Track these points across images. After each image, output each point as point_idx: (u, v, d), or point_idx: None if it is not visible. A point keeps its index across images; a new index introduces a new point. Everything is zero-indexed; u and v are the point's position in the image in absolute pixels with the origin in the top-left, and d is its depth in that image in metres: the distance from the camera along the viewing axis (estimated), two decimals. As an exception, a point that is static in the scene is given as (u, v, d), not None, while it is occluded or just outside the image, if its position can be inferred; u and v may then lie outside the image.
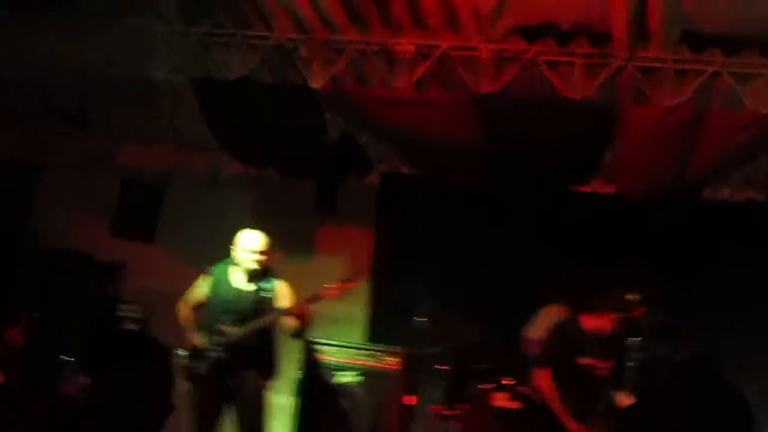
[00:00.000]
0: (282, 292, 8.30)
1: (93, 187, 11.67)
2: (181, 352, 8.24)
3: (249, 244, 8.22)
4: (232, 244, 8.31)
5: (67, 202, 11.58)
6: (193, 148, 11.52)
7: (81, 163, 11.67)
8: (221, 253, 8.78)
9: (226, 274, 8.32)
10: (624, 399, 7.77)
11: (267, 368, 8.27)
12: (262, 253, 8.20)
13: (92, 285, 10.42)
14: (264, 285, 8.23)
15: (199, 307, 8.40)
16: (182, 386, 8.28)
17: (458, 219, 10.61)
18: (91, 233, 11.40)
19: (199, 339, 8.13)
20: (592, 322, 7.88)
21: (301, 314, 8.10)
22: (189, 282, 8.73)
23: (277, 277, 8.36)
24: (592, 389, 7.68)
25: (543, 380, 7.77)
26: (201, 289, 8.40)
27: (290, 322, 8.16)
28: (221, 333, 7.98)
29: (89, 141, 11.65)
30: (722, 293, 10.09)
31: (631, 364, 8.26)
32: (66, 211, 11.56)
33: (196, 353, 8.13)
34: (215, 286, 8.30)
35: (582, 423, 7.45)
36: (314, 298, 8.08)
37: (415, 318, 9.43)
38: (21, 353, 6.78)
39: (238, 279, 8.24)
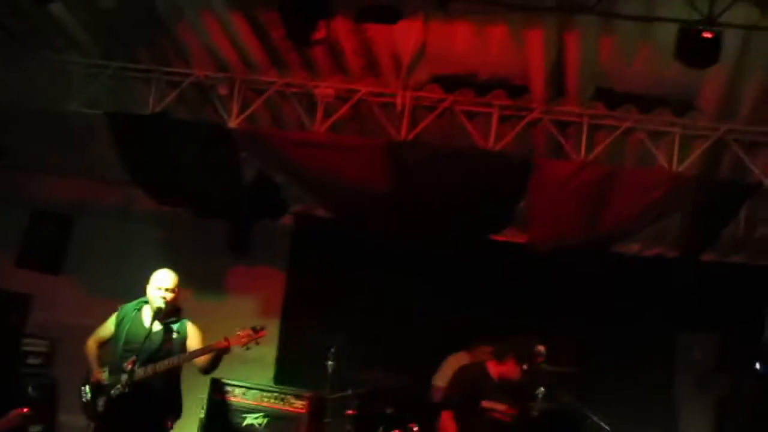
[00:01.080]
0: (190, 332, 8.22)
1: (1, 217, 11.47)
2: (84, 388, 8.12)
3: (158, 282, 8.13)
4: (146, 282, 8.23)
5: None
6: (105, 181, 11.38)
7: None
8: (129, 287, 8.68)
9: (136, 311, 8.22)
10: None
11: (171, 408, 8.16)
12: (169, 290, 8.12)
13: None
14: (172, 324, 8.16)
15: (106, 343, 8.29)
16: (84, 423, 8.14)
17: (371, 263, 10.60)
18: (-5, 264, 11.21)
19: (103, 376, 8.02)
20: (499, 369, 7.92)
21: (218, 353, 8.05)
22: (96, 315, 8.62)
23: (185, 317, 8.29)
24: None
25: (446, 422, 7.79)
26: (109, 325, 8.29)
27: (201, 361, 8.09)
28: (126, 371, 7.85)
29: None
30: (628, 346, 10.22)
31: (536, 413, 8.36)
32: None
33: (99, 390, 8.01)
34: (123, 324, 8.19)
35: None
36: (224, 343, 8.03)
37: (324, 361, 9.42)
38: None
39: (147, 317, 8.14)
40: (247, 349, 8.11)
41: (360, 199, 9.18)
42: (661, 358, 10.35)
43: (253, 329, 8.11)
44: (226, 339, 8.03)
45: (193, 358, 8.03)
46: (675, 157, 8.58)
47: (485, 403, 7.78)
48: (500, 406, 7.83)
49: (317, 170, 9.08)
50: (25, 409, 7.66)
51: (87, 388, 8.12)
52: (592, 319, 10.39)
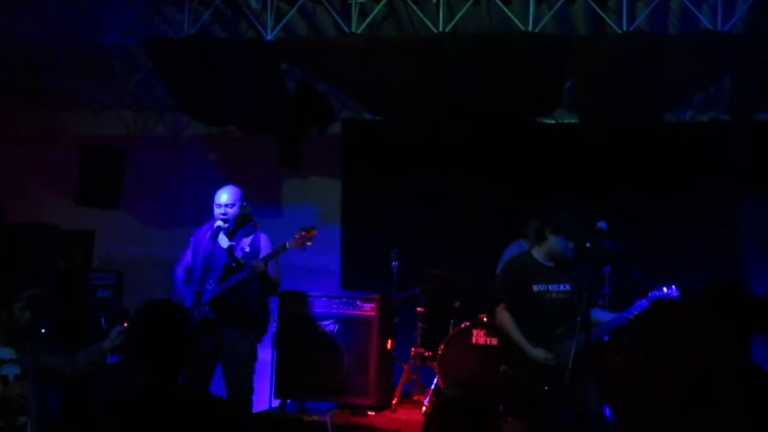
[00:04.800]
0: (264, 245, 8.26)
1: (52, 158, 11.57)
2: None
3: (216, 199, 8.20)
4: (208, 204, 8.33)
5: (27, 175, 11.48)
6: (152, 110, 11.43)
7: (38, 135, 11.56)
8: (188, 213, 8.79)
9: (208, 233, 8.28)
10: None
11: (253, 324, 8.24)
12: (227, 206, 8.17)
13: (59, 255, 10.31)
14: (244, 238, 8.22)
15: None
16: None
17: (423, 161, 10.57)
18: (55, 204, 11.31)
19: (186, 299, 8.14)
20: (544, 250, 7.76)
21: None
22: (158, 244, 8.76)
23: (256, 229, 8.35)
24: (556, 315, 7.60)
25: (499, 314, 7.75)
26: (189, 251, 8.39)
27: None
28: (201, 292, 7.99)
29: (43, 112, 11.54)
30: (691, 216, 10.15)
31: (606, 290, 8.36)
32: (27, 184, 11.46)
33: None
34: (197, 247, 8.28)
35: (550, 347, 7.40)
36: (279, 251, 8.10)
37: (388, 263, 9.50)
38: (27, 329, 6.78)
39: (220, 236, 8.23)
40: (304, 249, 8.17)
41: (405, 97, 9.13)
42: (725, 224, 10.27)
43: (304, 229, 8.15)
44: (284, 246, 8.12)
45: (257, 270, 8.06)
46: (719, 18, 8.40)
47: (535, 288, 7.66)
48: (553, 287, 7.69)
49: (359, 73, 9.04)
50: (125, 324, 7.79)
51: None
52: (651, 193, 10.32)
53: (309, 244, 8.15)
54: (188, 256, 8.41)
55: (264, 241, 8.30)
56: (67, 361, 6.87)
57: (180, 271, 8.42)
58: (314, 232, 8.17)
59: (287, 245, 8.06)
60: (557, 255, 7.58)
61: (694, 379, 4.06)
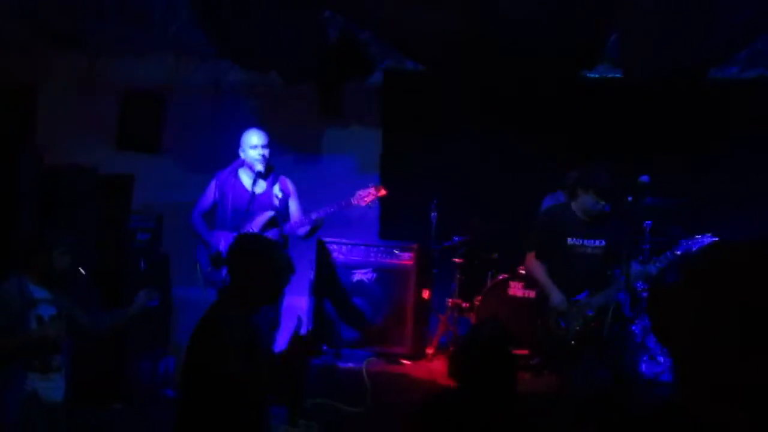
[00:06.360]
0: (291, 190, 8.29)
1: (92, 103, 11.55)
2: (202, 262, 8.27)
3: (254, 140, 8.20)
4: (240, 148, 8.30)
5: (68, 120, 11.47)
6: (193, 55, 11.37)
7: (77, 80, 11.54)
8: (227, 160, 8.76)
9: (234, 177, 8.27)
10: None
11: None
12: (266, 147, 8.20)
13: (99, 198, 10.32)
14: (274, 184, 8.22)
15: (209, 213, 8.40)
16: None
17: (464, 112, 10.47)
18: (95, 148, 11.30)
19: (220, 246, 8.12)
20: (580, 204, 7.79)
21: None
22: (197, 191, 8.72)
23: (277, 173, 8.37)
24: (588, 269, 7.66)
25: (528, 260, 7.88)
26: (209, 195, 8.37)
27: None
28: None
29: (83, 58, 11.51)
30: (735, 171, 10.04)
31: (647, 246, 8.32)
32: (69, 129, 11.46)
33: (217, 261, 8.12)
34: (225, 190, 8.26)
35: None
36: (342, 207, 8.11)
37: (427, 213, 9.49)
38: (65, 275, 6.74)
39: (248, 180, 8.21)
40: (370, 207, 8.18)
41: (446, 46, 9.06)
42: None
43: (375, 187, 8.16)
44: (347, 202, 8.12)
45: (318, 225, 8.11)
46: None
47: (570, 241, 7.74)
48: (588, 242, 7.75)
49: (400, 20, 8.96)
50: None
51: (205, 262, 8.27)
52: (695, 150, 10.20)
53: (370, 206, 8.20)
54: (208, 200, 8.38)
55: (290, 184, 8.33)
56: (93, 320, 6.82)
57: (198, 217, 8.39)
58: (384, 192, 8.19)
59: (352, 201, 8.09)
60: (589, 211, 7.62)
61: (755, 318, 4.07)
